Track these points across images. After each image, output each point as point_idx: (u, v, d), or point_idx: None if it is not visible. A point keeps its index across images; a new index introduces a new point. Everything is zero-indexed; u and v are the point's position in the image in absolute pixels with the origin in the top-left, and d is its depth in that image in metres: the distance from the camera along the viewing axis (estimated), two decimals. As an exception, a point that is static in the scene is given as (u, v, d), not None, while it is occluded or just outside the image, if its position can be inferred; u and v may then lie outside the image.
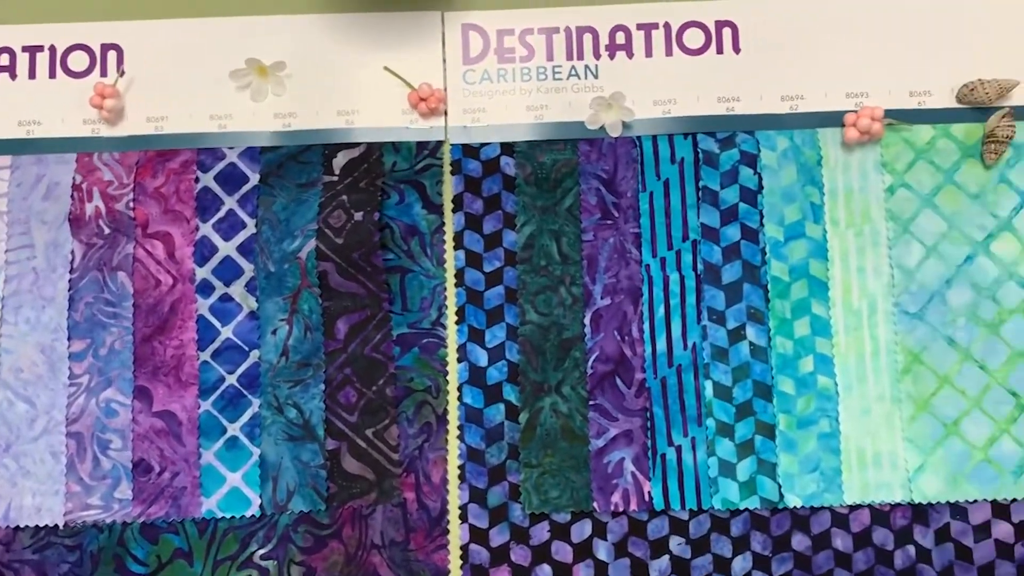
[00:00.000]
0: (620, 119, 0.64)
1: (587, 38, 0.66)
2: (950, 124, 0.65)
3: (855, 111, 0.64)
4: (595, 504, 0.61)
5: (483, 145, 0.65)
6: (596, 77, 0.66)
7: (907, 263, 0.63)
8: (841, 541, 0.61)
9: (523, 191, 0.64)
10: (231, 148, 0.65)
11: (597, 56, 0.66)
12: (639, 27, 0.66)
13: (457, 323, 0.63)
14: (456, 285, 0.64)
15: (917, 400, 0.62)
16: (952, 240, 0.64)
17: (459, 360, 0.63)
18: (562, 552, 0.61)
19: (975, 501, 0.61)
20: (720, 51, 0.66)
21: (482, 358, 0.63)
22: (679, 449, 0.61)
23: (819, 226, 0.64)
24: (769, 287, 0.63)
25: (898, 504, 0.61)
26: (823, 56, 0.65)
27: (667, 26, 0.66)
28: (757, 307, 0.63)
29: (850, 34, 0.66)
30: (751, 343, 0.62)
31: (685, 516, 0.61)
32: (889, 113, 0.64)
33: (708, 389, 0.62)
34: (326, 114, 0.65)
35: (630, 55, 0.66)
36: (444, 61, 0.66)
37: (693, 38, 0.66)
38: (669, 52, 0.66)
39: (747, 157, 0.64)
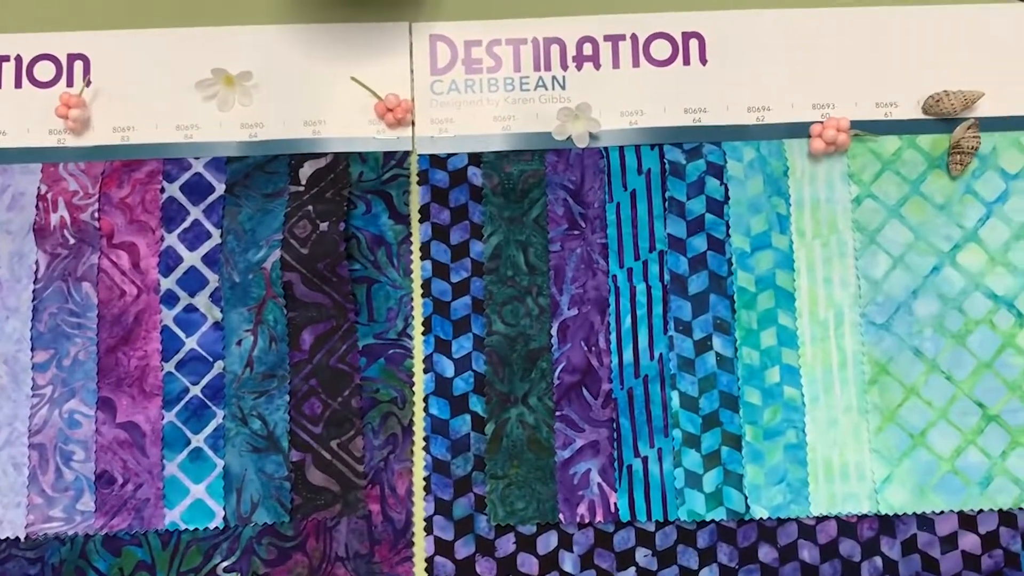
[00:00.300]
0: (587, 130, 0.64)
1: (554, 49, 0.66)
2: (916, 135, 0.65)
3: (821, 122, 0.64)
4: (561, 515, 0.61)
5: (450, 155, 0.65)
6: (563, 88, 0.66)
7: (874, 274, 0.63)
8: (808, 552, 0.61)
9: (490, 201, 0.64)
10: (197, 158, 0.65)
11: (564, 67, 0.66)
12: (606, 38, 0.66)
13: (423, 334, 0.63)
14: (423, 295, 0.63)
15: (884, 411, 0.62)
16: (918, 251, 0.64)
17: (425, 371, 0.63)
18: (528, 564, 0.61)
19: (942, 512, 0.61)
20: (687, 62, 0.66)
21: (448, 369, 0.63)
22: (645, 460, 0.61)
23: (785, 237, 0.64)
24: (736, 298, 0.63)
25: (865, 515, 0.61)
26: (789, 67, 0.66)
27: (634, 37, 0.66)
28: (724, 318, 0.63)
29: (816, 46, 0.66)
30: (717, 354, 0.62)
31: (651, 527, 0.61)
32: (855, 124, 0.65)
33: (675, 400, 0.62)
34: (293, 124, 0.65)
35: (597, 66, 0.66)
36: (412, 72, 0.66)
37: (660, 49, 0.66)
38: (636, 63, 0.66)
39: (713, 168, 0.64)
